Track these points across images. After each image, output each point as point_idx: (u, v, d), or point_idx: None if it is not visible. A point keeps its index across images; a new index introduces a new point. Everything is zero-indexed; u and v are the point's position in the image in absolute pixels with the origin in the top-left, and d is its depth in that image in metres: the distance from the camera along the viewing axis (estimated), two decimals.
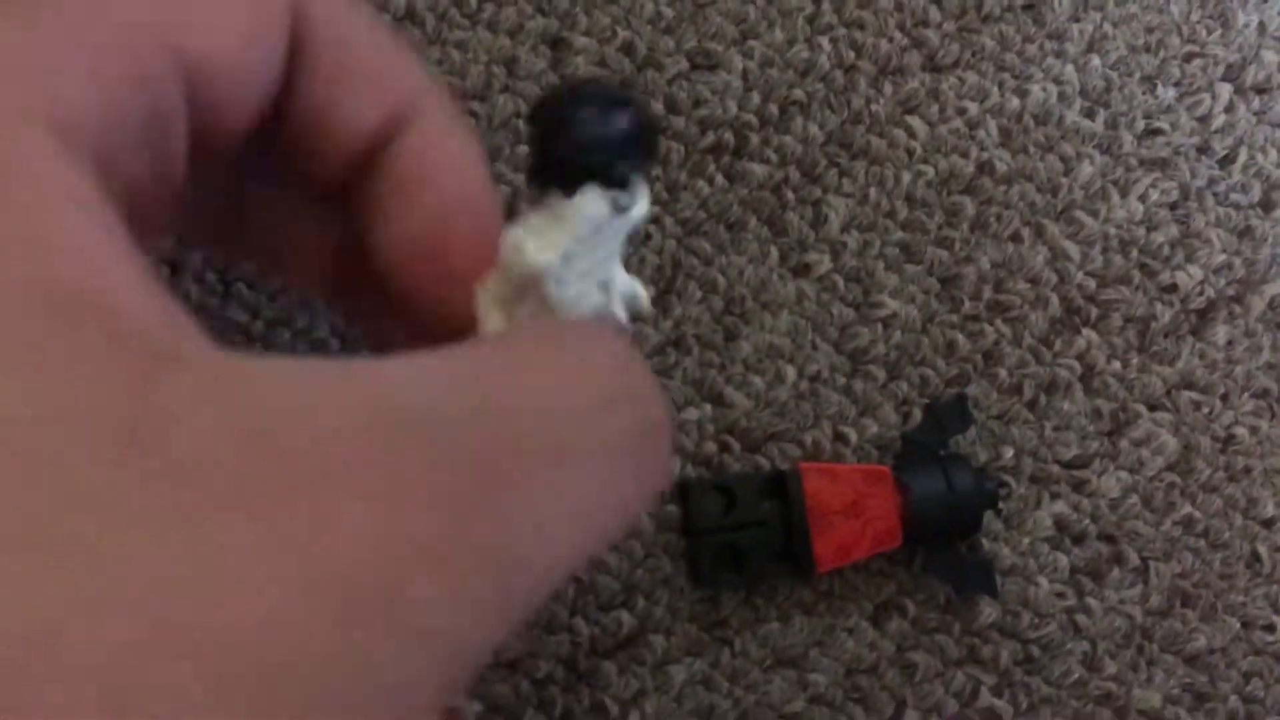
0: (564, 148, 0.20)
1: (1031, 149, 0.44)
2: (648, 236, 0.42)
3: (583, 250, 0.21)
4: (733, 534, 0.39)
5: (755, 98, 0.43)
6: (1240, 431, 0.43)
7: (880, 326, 0.42)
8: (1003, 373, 0.42)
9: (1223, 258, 0.44)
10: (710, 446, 0.41)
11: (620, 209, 0.21)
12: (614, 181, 0.21)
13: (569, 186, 0.20)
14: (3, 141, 0.15)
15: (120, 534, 0.12)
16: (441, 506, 0.14)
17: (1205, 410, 0.43)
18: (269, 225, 0.22)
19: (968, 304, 0.43)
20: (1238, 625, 0.42)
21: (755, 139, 0.42)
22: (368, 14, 0.21)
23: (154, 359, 0.14)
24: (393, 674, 0.13)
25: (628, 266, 0.41)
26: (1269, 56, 0.45)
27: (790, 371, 0.42)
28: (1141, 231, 0.44)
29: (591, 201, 0.20)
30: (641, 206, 0.21)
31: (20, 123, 0.15)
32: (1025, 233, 0.43)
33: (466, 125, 0.22)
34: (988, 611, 0.41)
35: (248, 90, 0.18)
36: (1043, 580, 0.42)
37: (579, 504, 0.17)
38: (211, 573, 0.13)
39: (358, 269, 0.22)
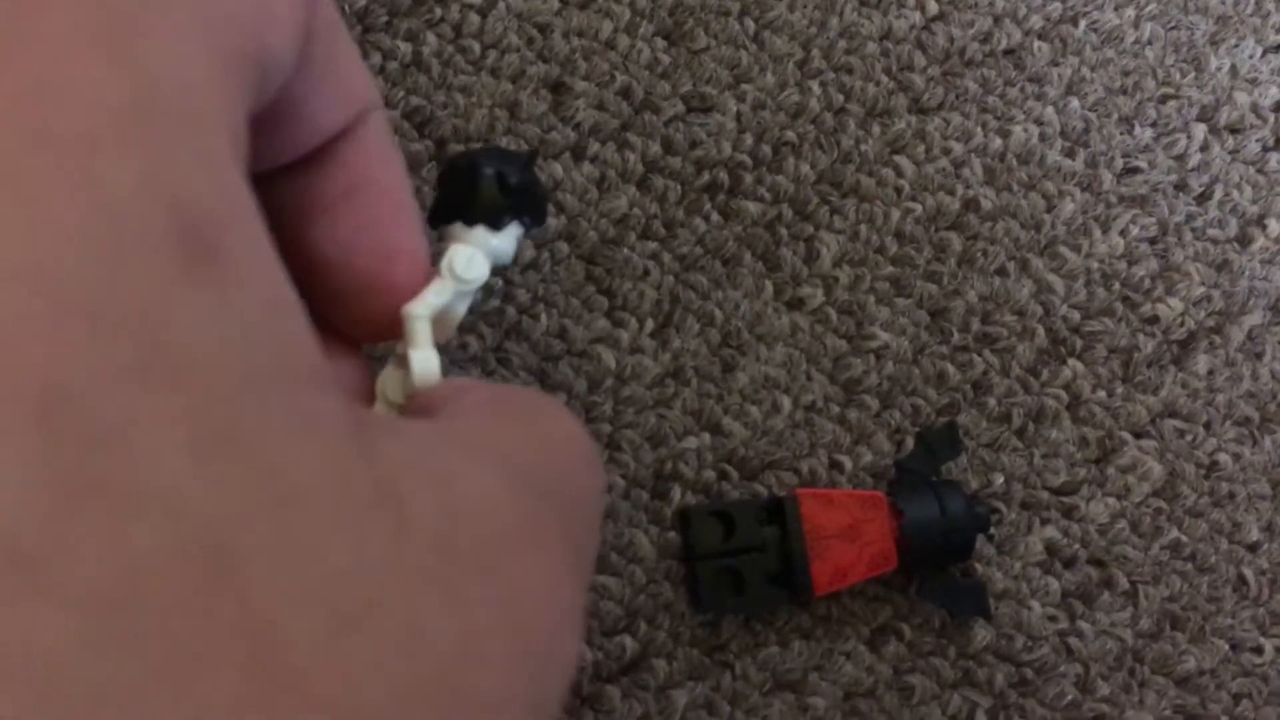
0: (508, 192, 0.25)
1: (1015, 187, 0.45)
2: (646, 272, 0.43)
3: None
4: (732, 559, 0.40)
5: (749, 139, 0.44)
6: (1223, 458, 0.44)
7: (873, 358, 0.43)
8: (992, 402, 0.44)
9: (1202, 290, 0.45)
10: (709, 474, 0.42)
11: (517, 246, 0.27)
12: (527, 222, 0.26)
13: (495, 222, 0.25)
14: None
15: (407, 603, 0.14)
16: (566, 562, 0.17)
17: (1189, 438, 0.44)
18: None
19: (957, 336, 0.44)
20: (1226, 647, 0.43)
21: (749, 178, 0.44)
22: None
23: (361, 424, 0.16)
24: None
25: (625, 304, 0.42)
26: (1241, 98, 0.47)
27: (786, 402, 0.43)
28: (1123, 265, 0.45)
29: (514, 234, 0.26)
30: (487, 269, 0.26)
31: (225, 149, 0.16)
32: (1011, 267, 0.45)
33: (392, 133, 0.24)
34: (982, 635, 0.42)
35: (280, 80, 0.19)
36: (1035, 604, 0.43)
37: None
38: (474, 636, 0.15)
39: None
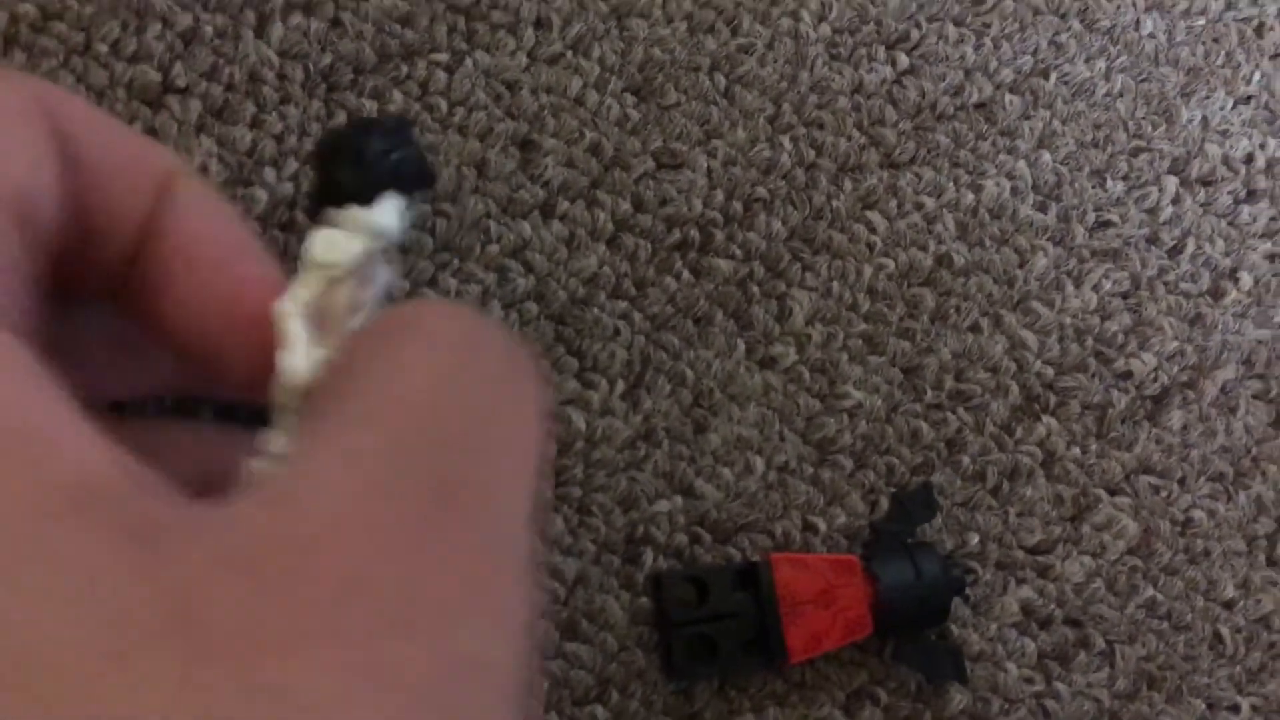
0: (367, 166, 0.23)
1: (988, 242, 0.45)
2: (616, 332, 0.42)
3: (375, 254, 0.23)
4: (706, 625, 0.39)
5: (719, 195, 0.44)
6: (1198, 515, 0.44)
7: (846, 416, 0.43)
8: (966, 460, 0.43)
9: (1175, 345, 0.45)
10: (681, 538, 0.41)
11: (404, 219, 0.24)
12: (408, 192, 0.24)
13: (367, 199, 0.23)
14: None
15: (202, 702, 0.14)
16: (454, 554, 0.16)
17: (1164, 494, 0.44)
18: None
19: (930, 393, 0.44)
20: (1203, 707, 0.43)
21: (720, 235, 0.43)
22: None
23: (148, 536, 0.15)
24: None
25: (595, 365, 0.42)
26: (1212, 150, 0.47)
27: (759, 462, 0.42)
28: (1096, 320, 0.45)
29: (391, 207, 0.24)
30: (396, 227, 0.24)
31: None
32: (984, 323, 0.44)
33: (211, 187, 0.23)
34: (958, 699, 0.42)
35: (41, 207, 0.19)
36: (1011, 666, 0.42)
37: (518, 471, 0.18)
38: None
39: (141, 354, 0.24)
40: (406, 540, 0.16)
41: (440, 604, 0.15)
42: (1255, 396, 0.45)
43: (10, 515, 0.14)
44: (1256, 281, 0.46)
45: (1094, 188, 0.46)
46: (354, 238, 0.23)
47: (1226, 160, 0.47)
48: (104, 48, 0.41)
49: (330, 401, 0.18)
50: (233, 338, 0.22)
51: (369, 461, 0.16)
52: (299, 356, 0.21)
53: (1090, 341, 0.45)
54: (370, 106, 0.42)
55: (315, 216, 0.24)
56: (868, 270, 0.44)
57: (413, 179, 0.24)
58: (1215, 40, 0.48)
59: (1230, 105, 0.48)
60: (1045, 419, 0.44)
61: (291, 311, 0.21)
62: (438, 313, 0.20)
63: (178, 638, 0.14)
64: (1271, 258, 0.46)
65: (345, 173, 0.24)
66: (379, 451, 0.17)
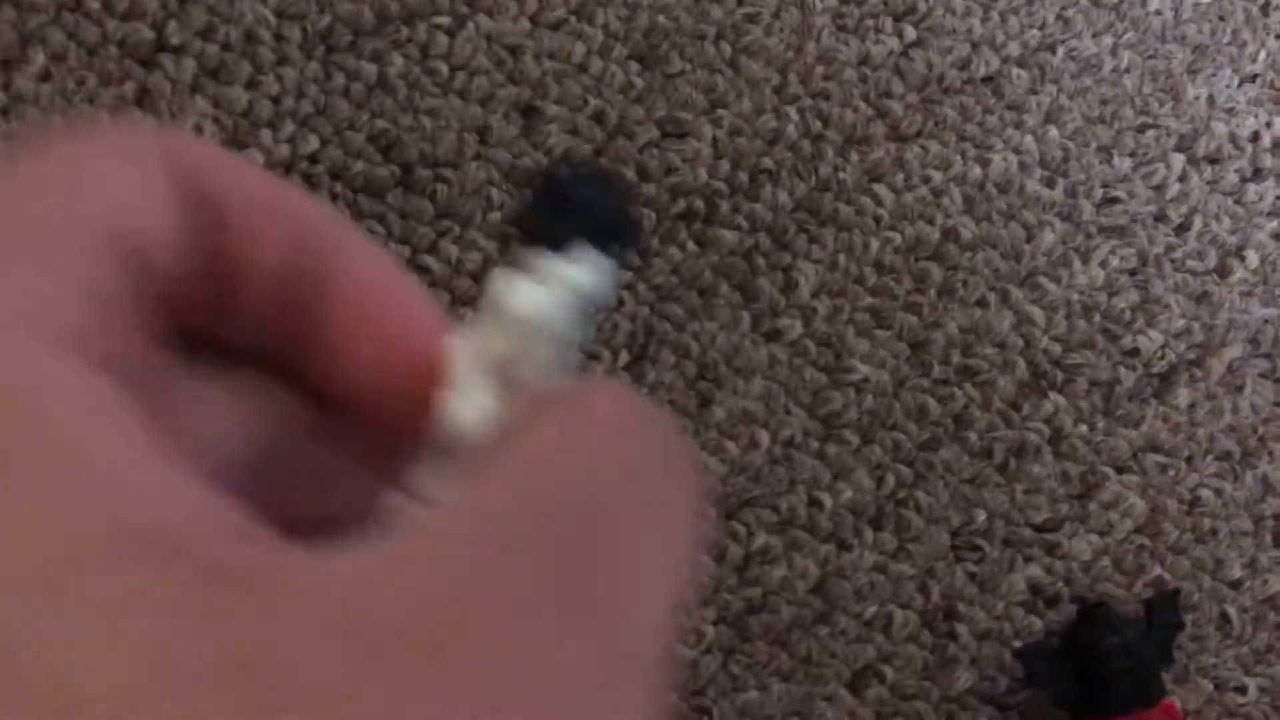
0: (584, 218, 0.21)
1: (995, 216, 0.44)
2: (620, 303, 0.41)
3: (568, 314, 0.22)
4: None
5: (725, 165, 0.43)
6: (1205, 494, 0.44)
7: (852, 391, 0.42)
8: (973, 436, 0.43)
9: (1182, 323, 0.45)
10: None
11: (604, 279, 0.22)
12: (609, 254, 0.21)
13: (569, 250, 0.21)
14: (16, 367, 0.15)
15: None
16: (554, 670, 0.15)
17: (1171, 473, 0.44)
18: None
19: (937, 368, 0.43)
20: (1210, 687, 0.42)
21: (726, 206, 0.43)
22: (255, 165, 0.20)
23: (225, 581, 0.14)
24: None
25: (598, 336, 0.41)
26: (1219, 128, 0.46)
27: (764, 436, 0.41)
28: (1103, 297, 0.44)
29: (600, 265, 0.21)
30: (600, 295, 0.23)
31: (23, 340, 0.15)
32: (991, 298, 0.44)
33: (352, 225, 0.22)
34: (965, 677, 0.41)
35: (154, 251, 0.18)
36: (1018, 644, 0.42)
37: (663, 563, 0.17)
38: None
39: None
40: (518, 631, 0.14)
41: (535, 703, 0.14)
42: (1262, 375, 0.45)
43: (69, 555, 0.14)
44: (1263, 260, 0.46)
45: (1101, 163, 0.46)
46: (554, 292, 0.20)
47: (1233, 138, 0.47)
48: (96, 4, 0.40)
49: (484, 463, 0.17)
50: (392, 373, 0.21)
51: (500, 533, 0.15)
52: (467, 402, 0.19)
53: (1098, 318, 0.44)
54: (370, 70, 0.41)
55: (523, 243, 0.22)
56: (874, 243, 0.43)
57: (627, 239, 0.23)
58: (1221, 18, 0.48)
59: (1237, 83, 0.47)
60: (1053, 395, 0.43)
61: (466, 353, 0.19)
62: (608, 395, 0.18)
63: (240, 689, 0.13)
64: (1278, 236, 0.46)
65: (560, 221, 0.22)
66: (513, 526, 0.15)
